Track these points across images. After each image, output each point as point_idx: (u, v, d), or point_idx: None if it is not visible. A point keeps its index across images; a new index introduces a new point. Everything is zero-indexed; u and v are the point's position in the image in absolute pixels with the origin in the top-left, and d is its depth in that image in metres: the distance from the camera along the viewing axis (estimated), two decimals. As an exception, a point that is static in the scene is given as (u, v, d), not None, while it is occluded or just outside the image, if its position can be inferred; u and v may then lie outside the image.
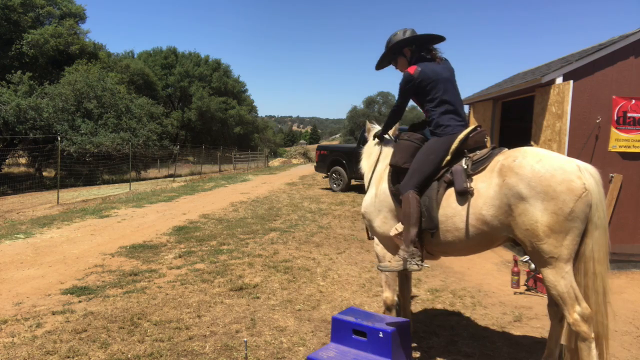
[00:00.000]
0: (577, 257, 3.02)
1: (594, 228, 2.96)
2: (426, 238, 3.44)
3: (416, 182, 3.36)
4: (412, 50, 3.60)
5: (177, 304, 4.90)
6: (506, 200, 3.07)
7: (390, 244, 3.67)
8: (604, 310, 3.00)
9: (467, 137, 3.44)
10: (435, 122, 3.45)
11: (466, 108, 10.87)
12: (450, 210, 3.31)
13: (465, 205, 3.24)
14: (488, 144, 3.51)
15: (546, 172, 2.97)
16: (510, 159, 3.16)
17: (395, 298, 3.87)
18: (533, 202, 2.97)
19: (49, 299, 5.11)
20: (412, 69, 3.44)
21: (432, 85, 3.42)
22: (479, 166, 3.30)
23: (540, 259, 3.04)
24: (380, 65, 3.90)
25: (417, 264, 3.25)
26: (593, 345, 2.93)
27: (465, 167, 3.31)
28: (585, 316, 2.93)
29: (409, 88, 3.49)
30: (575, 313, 2.94)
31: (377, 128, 4.15)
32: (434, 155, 3.38)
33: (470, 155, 3.38)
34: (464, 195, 3.25)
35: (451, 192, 3.32)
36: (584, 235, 2.98)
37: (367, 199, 3.88)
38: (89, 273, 6.07)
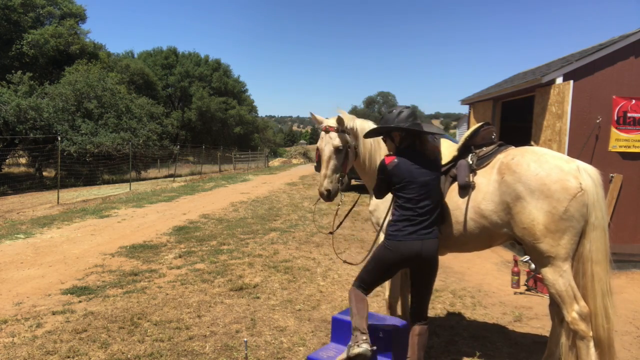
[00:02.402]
0: (575, 258, 3.04)
1: (591, 229, 2.97)
2: None
3: (362, 280, 3.13)
4: (402, 136, 3.19)
5: (177, 304, 4.90)
6: (504, 198, 3.12)
7: None
8: (604, 312, 2.98)
9: (475, 133, 3.50)
10: (392, 222, 3.09)
11: (466, 108, 10.87)
12: (452, 204, 3.37)
13: (466, 199, 3.30)
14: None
15: (542, 171, 3.00)
16: (509, 157, 3.22)
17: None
18: (529, 200, 3.00)
19: (49, 299, 5.11)
20: (389, 160, 3.12)
21: (403, 184, 3.05)
22: (483, 162, 3.37)
23: (539, 258, 3.08)
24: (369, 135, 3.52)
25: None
26: (591, 344, 2.94)
27: (471, 162, 3.38)
28: (584, 315, 2.94)
29: (381, 178, 3.18)
30: (573, 312, 2.96)
31: (327, 120, 3.75)
32: (380, 263, 3.09)
33: (477, 151, 3.44)
34: (465, 189, 3.31)
35: (455, 186, 3.39)
36: (581, 235, 2.99)
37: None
38: (89, 273, 6.07)
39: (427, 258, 3.00)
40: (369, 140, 3.69)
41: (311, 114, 3.95)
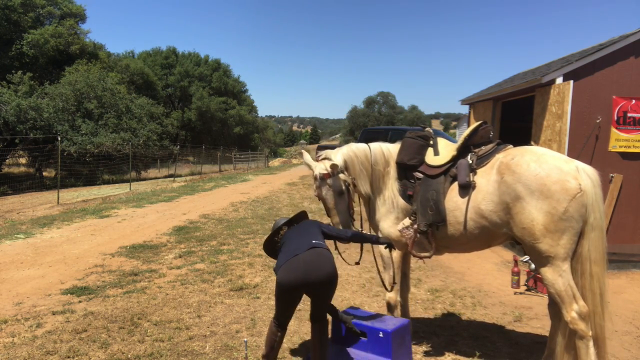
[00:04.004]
0: (574, 258, 3.05)
1: (590, 229, 2.99)
2: (432, 231, 3.49)
3: (275, 313, 3.24)
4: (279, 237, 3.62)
5: (177, 304, 4.90)
6: (504, 198, 3.13)
7: (399, 241, 3.71)
8: (601, 311, 3.02)
9: (474, 132, 3.51)
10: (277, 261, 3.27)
11: (466, 108, 10.87)
12: (452, 204, 3.38)
13: (466, 199, 3.31)
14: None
15: (542, 171, 3.01)
16: (509, 157, 3.23)
17: (399, 298, 3.90)
18: (529, 200, 3.01)
19: (49, 299, 5.11)
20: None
21: (284, 234, 3.51)
22: (482, 161, 3.38)
23: (538, 258, 3.09)
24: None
25: None
26: (590, 343, 2.95)
27: (471, 162, 3.39)
28: (583, 314, 2.95)
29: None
30: (572, 311, 2.97)
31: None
32: (279, 296, 3.16)
33: (476, 150, 3.46)
34: (466, 189, 3.32)
35: (455, 186, 3.40)
36: (580, 236, 3.00)
37: (378, 202, 3.89)
38: (89, 273, 6.07)
39: (315, 283, 3.01)
40: (357, 167, 3.70)
41: (305, 160, 3.89)
